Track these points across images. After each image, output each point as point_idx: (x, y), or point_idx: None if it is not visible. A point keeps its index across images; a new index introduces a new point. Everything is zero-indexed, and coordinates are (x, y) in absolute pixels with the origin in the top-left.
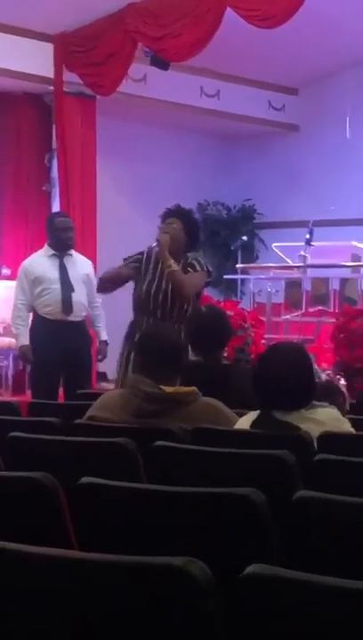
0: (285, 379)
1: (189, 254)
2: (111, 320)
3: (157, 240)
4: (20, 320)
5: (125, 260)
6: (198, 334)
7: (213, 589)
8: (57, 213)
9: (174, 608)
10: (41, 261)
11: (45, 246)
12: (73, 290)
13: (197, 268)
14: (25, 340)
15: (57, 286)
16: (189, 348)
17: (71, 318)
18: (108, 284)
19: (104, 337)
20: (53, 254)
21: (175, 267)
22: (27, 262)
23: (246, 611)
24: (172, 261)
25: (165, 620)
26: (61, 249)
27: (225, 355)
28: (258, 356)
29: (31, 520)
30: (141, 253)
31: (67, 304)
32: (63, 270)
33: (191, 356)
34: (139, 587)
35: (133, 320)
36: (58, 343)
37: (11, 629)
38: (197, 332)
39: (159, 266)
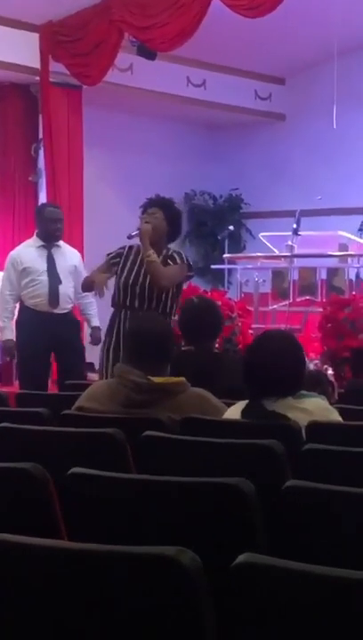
0: (275, 366)
1: (171, 246)
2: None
3: (138, 229)
4: (6, 312)
5: (107, 255)
6: (190, 325)
7: (204, 579)
8: (47, 204)
9: (165, 597)
10: (29, 252)
11: (34, 237)
12: (60, 282)
13: (178, 260)
14: (10, 333)
15: (44, 278)
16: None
17: (57, 310)
18: (85, 289)
19: (95, 323)
20: (42, 245)
21: (154, 257)
22: (15, 252)
23: (236, 599)
24: (151, 251)
25: (157, 610)
26: (49, 240)
27: (217, 345)
28: (248, 344)
29: (21, 510)
30: (123, 248)
31: (53, 296)
32: (51, 262)
33: (183, 346)
34: (130, 576)
35: (113, 313)
36: (45, 333)
37: (2, 620)
38: (188, 322)
39: (139, 258)
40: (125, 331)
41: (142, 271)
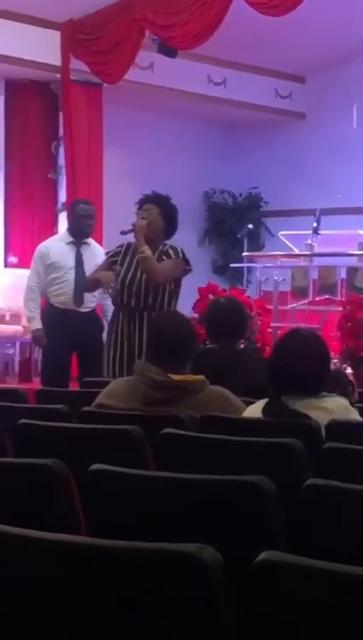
0: (300, 365)
1: (166, 242)
2: None
3: (133, 225)
4: (34, 303)
5: (106, 254)
6: (215, 324)
7: (224, 576)
8: (80, 200)
9: (187, 594)
10: (58, 247)
11: (65, 232)
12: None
13: (172, 255)
14: (38, 323)
15: (71, 276)
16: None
17: (81, 309)
18: (91, 289)
19: None
20: (71, 241)
21: (148, 253)
22: (43, 246)
23: (256, 597)
24: (145, 247)
25: (177, 607)
26: (79, 236)
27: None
28: (266, 343)
29: (41, 506)
30: (121, 246)
31: (79, 294)
32: (79, 259)
33: (208, 344)
34: (151, 573)
35: (113, 311)
36: (68, 331)
37: (21, 617)
38: (214, 322)
39: (136, 255)
40: (122, 329)
41: (139, 269)
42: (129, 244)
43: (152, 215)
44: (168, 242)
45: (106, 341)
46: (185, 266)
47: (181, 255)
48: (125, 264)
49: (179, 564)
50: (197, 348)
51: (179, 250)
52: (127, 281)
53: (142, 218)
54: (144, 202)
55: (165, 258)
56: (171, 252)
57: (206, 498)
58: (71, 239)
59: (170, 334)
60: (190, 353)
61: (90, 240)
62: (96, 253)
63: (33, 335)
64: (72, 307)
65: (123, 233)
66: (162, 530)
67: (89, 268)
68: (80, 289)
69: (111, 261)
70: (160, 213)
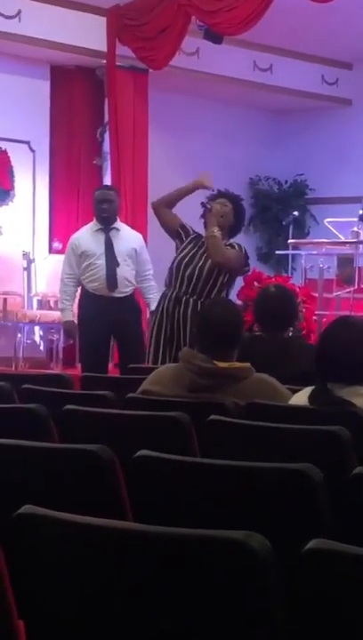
0: (347, 352)
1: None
2: None
3: (209, 208)
4: (66, 295)
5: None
6: (265, 313)
7: (273, 563)
8: (100, 186)
9: (235, 581)
10: (88, 236)
11: (94, 220)
12: (118, 265)
13: (236, 248)
14: (69, 315)
15: (102, 261)
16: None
17: (117, 294)
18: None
19: (154, 307)
20: (100, 229)
21: (218, 233)
22: (74, 236)
23: (305, 585)
24: (216, 228)
25: (226, 593)
26: (101, 222)
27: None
28: (311, 330)
29: (88, 492)
30: (193, 233)
31: (111, 280)
32: (109, 245)
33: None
34: (199, 559)
35: (163, 293)
36: (105, 317)
37: (68, 602)
38: (263, 310)
39: (198, 245)
40: (167, 311)
41: (197, 257)
42: (198, 235)
43: (227, 208)
44: None
45: (149, 324)
46: (245, 264)
47: (243, 252)
48: (186, 249)
49: (227, 551)
50: (244, 335)
51: (243, 248)
52: (183, 264)
53: (223, 205)
54: (218, 196)
55: (228, 248)
56: (236, 246)
57: (254, 485)
58: (99, 226)
59: (217, 321)
60: (238, 341)
61: (120, 225)
62: (128, 238)
63: (64, 327)
64: (106, 292)
65: (206, 198)
66: (207, 517)
67: (119, 253)
68: (112, 274)
69: (181, 225)
70: (232, 209)
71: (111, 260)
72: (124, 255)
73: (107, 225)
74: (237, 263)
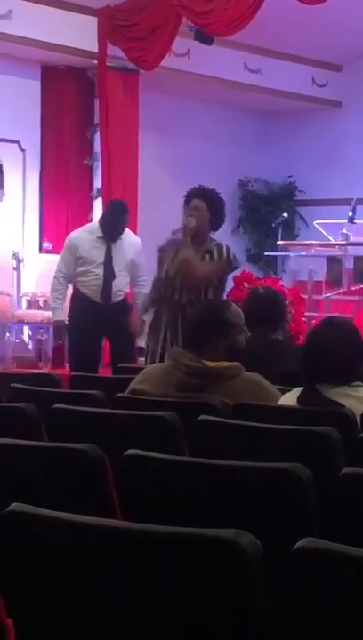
0: (333, 352)
1: (214, 239)
2: None
3: (184, 226)
4: (58, 294)
5: (158, 249)
6: (252, 315)
7: (262, 562)
8: (119, 199)
9: (224, 580)
10: (88, 240)
11: (96, 224)
12: (114, 277)
13: (216, 256)
14: (60, 314)
15: (99, 271)
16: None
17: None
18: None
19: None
20: (102, 237)
21: (188, 253)
22: (74, 236)
23: (295, 584)
24: (187, 249)
25: (214, 592)
26: (110, 238)
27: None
28: (300, 331)
29: (77, 491)
30: (164, 246)
31: (106, 293)
32: (108, 256)
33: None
34: (188, 558)
35: (155, 307)
36: (96, 318)
37: (57, 600)
38: (251, 312)
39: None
40: (163, 322)
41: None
42: (173, 240)
43: (200, 211)
44: None
45: (147, 333)
46: (229, 266)
47: (225, 255)
48: (172, 258)
49: (216, 550)
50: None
51: (225, 249)
52: (172, 273)
53: (191, 216)
54: (191, 196)
55: (208, 257)
56: (216, 251)
57: (242, 484)
58: (102, 234)
59: (197, 318)
60: (221, 338)
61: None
62: (127, 248)
63: (54, 326)
64: (99, 300)
65: (173, 233)
66: (196, 516)
67: (117, 264)
68: (108, 287)
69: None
70: (207, 207)
71: (109, 273)
72: (121, 266)
73: (113, 240)
74: (216, 273)
